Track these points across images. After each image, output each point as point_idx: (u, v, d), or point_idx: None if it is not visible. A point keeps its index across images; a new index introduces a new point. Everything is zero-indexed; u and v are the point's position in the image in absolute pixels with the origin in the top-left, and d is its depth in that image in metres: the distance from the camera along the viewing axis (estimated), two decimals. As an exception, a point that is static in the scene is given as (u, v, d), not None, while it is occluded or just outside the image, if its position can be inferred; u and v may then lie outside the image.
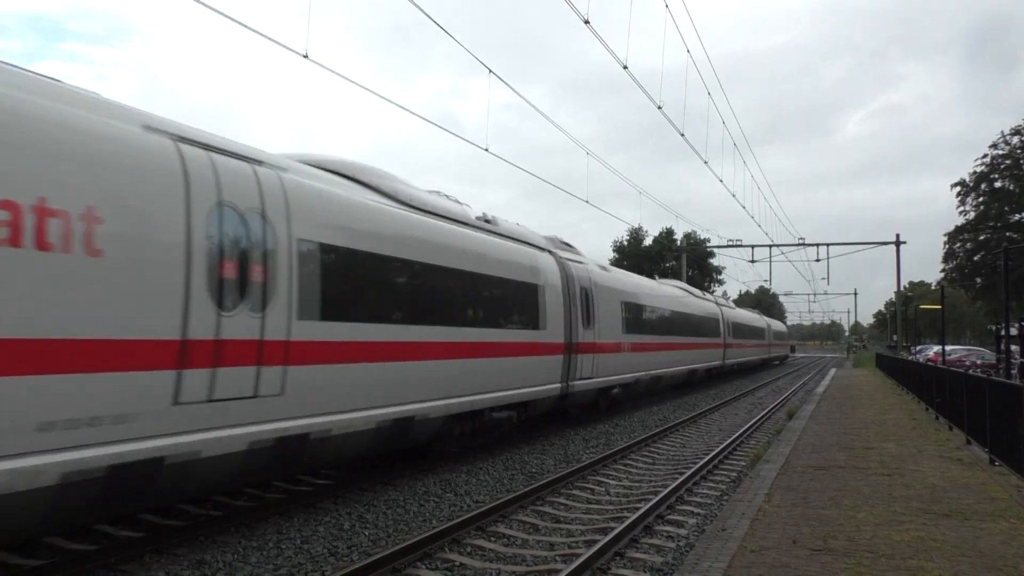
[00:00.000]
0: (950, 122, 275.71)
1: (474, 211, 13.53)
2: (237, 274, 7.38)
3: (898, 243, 46.60)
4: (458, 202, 13.11)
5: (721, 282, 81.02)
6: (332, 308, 8.61)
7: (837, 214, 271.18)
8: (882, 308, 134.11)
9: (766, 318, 57.64)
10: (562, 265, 15.91)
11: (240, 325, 7.33)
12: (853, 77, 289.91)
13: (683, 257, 58.67)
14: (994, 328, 39.13)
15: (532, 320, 13.97)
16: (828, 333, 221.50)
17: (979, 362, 37.54)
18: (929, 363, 28.53)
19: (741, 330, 36.21)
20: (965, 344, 66.17)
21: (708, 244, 70.55)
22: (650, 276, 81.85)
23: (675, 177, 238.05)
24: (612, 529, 8.06)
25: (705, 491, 10.78)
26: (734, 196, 35.42)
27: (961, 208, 56.96)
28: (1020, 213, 53.52)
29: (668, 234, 77.79)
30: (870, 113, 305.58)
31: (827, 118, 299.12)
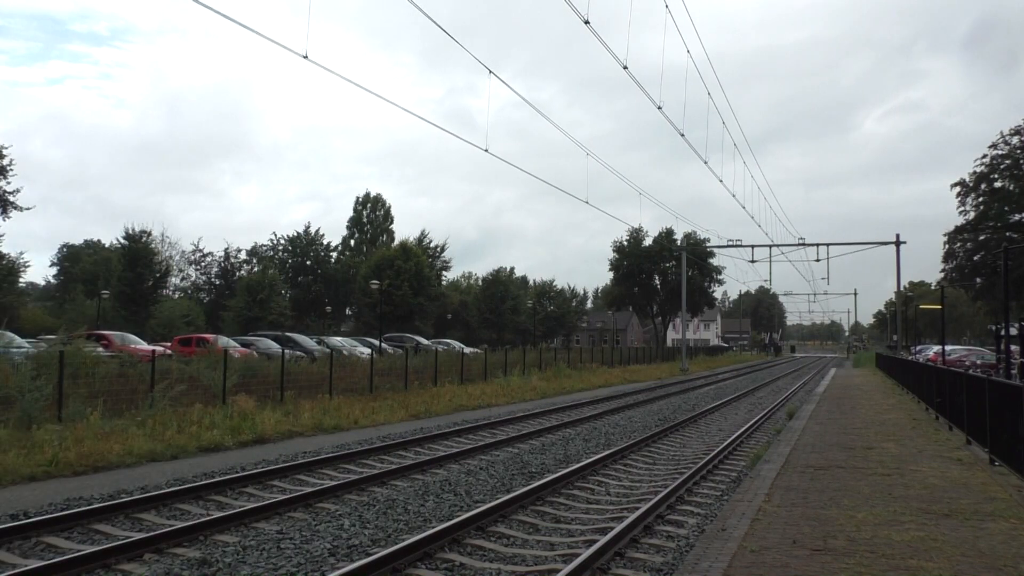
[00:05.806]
0: (969, 119, 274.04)
1: None
2: None
3: (898, 243, 46.61)
4: None
5: (721, 282, 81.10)
6: None
7: (847, 212, 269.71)
8: (882, 308, 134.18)
9: None
10: None
11: None
12: (875, 73, 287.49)
13: (683, 257, 58.64)
14: (994, 328, 39.11)
15: None
16: (828, 333, 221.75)
17: (979, 362, 37.53)
18: (929, 363, 28.53)
19: None
20: (965, 344, 66.10)
21: (708, 244, 70.65)
22: (650, 276, 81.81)
23: (688, 176, 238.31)
24: (612, 529, 8.06)
25: (705, 491, 10.78)
26: (734, 196, 35.56)
27: (961, 208, 57.08)
28: (1020, 213, 53.54)
29: (668, 234, 77.89)
30: (890, 110, 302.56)
31: (846, 115, 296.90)
